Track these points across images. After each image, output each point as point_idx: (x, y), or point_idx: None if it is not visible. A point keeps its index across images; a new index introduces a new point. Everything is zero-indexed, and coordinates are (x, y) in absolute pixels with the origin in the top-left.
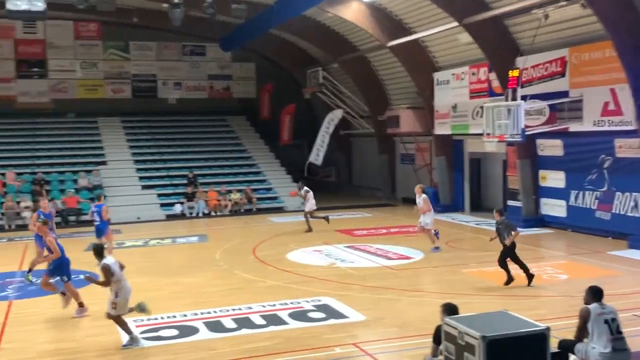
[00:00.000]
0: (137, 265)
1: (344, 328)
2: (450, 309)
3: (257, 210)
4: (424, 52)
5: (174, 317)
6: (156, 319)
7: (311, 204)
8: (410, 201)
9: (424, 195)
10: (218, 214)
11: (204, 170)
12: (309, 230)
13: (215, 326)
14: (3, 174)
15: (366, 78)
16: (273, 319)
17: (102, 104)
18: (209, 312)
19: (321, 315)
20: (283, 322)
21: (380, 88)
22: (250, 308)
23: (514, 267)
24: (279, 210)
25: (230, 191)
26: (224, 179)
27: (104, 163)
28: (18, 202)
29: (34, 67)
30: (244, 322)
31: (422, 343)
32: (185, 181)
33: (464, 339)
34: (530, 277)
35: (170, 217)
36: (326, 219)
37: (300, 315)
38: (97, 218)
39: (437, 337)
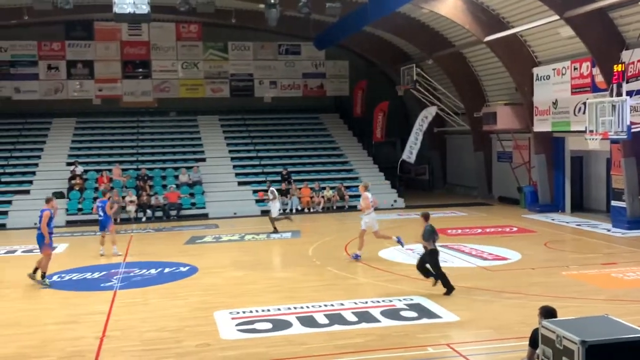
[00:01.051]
0: (233, 259)
1: (437, 328)
2: (548, 312)
3: (350, 208)
4: (523, 47)
5: (268, 310)
6: (251, 311)
7: (277, 207)
8: (508, 200)
9: (365, 193)
10: (311, 210)
11: (298, 167)
12: (275, 231)
13: (307, 321)
14: (110, 170)
15: (462, 74)
16: (365, 316)
17: (201, 103)
18: (301, 307)
19: (414, 314)
20: (375, 320)
21: (476, 84)
22: (342, 305)
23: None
24: None
25: (323, 188)
26: (317, 176)
27: (203, 160)
28: (123, 197)
29: (139, 67)
30: (336, 318)
31: (518, 346)
32: (279, 178)
33: (562, 343)
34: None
35: (264, 213)
36: (288, 218)
37: (392, 313)
38: (100, 213)
39: (534, 341)
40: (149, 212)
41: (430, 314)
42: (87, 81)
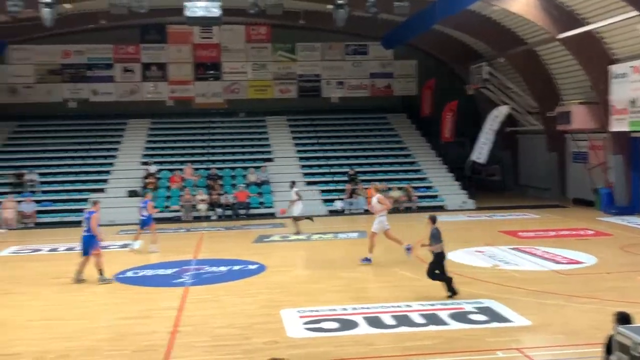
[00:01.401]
0: (300, 258)
1: (508, 332)
2: (623, 318)
3: (417, 209)
4: (599, 44)
5: (335, 310)
6: (318, 311)
7: (300, 208)
8: (583, 202)
9: (378, 195)
10: None
11: (365, 167)
12: (298, 233)
13: (374, 322)
14: (181, 169)
15: (534, 72)
16: (433, 319)
17: (270, 104)
18: (368, 308)
19: (483, 317)
20: (443, 323)
21: (549, 83)
22: (409, 306)
23: None
24: (440, 208)
25: (390, 188)
26: (384, 177)
27: (270, 160)
28: (194, 195)
29: (210, 69)
30: (403, 320)
31: (591, 352)
32: (346, 178)
33: (638, 350)
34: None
35: (331, 213)
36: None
37: (461, 316)
38: (144, 212)
39: (609, 347)
40: (219, 210)
41: (501, 318)
42: (161, 83)
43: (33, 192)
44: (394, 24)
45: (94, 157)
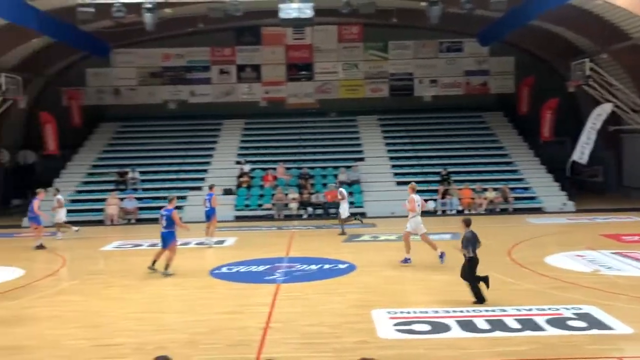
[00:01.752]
0: (390, 258)
1: (609, 340)
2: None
3: (514, 210)
4: None
5: (426, 312)
6: (409, 312)
7: (346, 208)
8: None
9: (412, 196)
10: (472, 212)
11: (458, 167)
12: (343, 233)
13: (467, 325)
14: (274, 168)
15: None
16: (529, 324)
17: (361, 103)
18: (461, 311)
19: (582, 324)
20: (540, 328)
21: None
22: (504, 310)
23: None
24: (538, 210)
25: (485, 189)
26: (479, 177)
27: (361, 159)
28: (286, 194)
29: (302, 70)
30: (497, 324)
31: None
32: (438, 178)
33: None
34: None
35: (423, 214)
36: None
37: (558, 322)
38: (207, 205)
39: None
40: (310, 209)
41: (601, 325)
42: (255, 84)
43: (135, 189)
44: (490, 20)
45: (192, 157)
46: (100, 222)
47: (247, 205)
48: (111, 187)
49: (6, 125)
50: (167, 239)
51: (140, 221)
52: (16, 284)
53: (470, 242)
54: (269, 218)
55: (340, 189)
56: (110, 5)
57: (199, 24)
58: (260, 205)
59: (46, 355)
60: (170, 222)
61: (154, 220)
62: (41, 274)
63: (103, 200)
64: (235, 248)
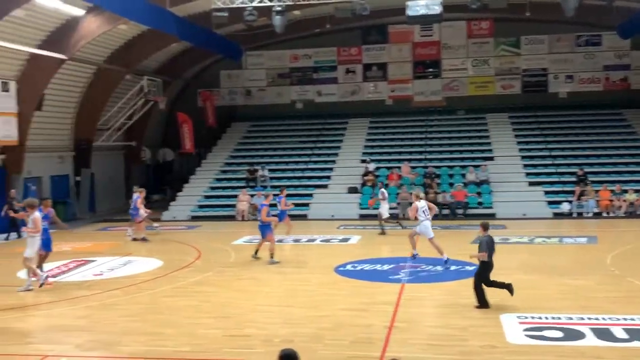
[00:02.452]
0: (521, 261)
1: None
2: None
3: None
4: None
5: (559, 318)
6: (540, 318)
7: (386, 208)
8: None
9: (415, 203)
10: (610, 215)
11: (596, 167)
12: (383, 233)
13: (603, 334)
14: (399, 167)
15: None
16: None
17: (490, 100)
18: (596, 319)
19: None
20: None
21: None
22: None
23: None
24: None
25: (625, 191)
26: (619, 178)
27: (491, 159)
28: (411, 193)
29: (429, 67)
30: (637, 334)
31: None
32: (574, 179)
33: None
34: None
35: (557, 216)
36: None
37: None
38: (278, 207)
39: None
40: (436, 209)
41: None
42: (381, 83)
43: (264, 186)
44: (632, 11)
45: (318, 155)
46: (231, 217)
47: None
48: (242, 184)
49: (148, 125)
50: (263, 231)
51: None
52: (156, 274)
53: (488, 246)
54: (394, 217)
55: (382, 189)
56: (242, 9)
57: (326, 25)
58: None
59: (182, 343)
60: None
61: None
62: (178, 265)
63: (234, 196)
64: (359, 246)
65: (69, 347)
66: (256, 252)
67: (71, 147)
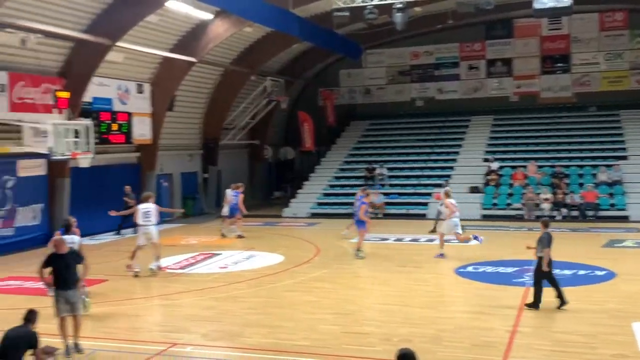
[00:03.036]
0: None
1: None
2: None
3: None
4: None
5: None
6: None
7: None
8: None
9: (447, 200)
10: None
11: None
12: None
13: None
14: (524, 166)
15: None
16: None
17: (625, 96)
18: None
19: None
20: None
21: None
22: None
23: None
24: None
25: None
26: None
27: (624, 157)
28: (537, 194)
29: (558, 62)
30: None
31: None
32: None
33: None
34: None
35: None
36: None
37: None
38: (356, 206)
39: None
40: (564, 210)
41: None
42: (505, 79)
43: (382, 185)
44: None
45: (438, 154)
46: (350, 215)
47: (494, 204)
48: (360, 182)
49: (270, 124)
50: (359, 226)
51: (387, 216)
52: (278, 268)
53: (544, 243)
54: (519, 218)
55: (447, 188)
56: (363, 8)
57: (448, 20)
58: (509, 205)
59: (301, 337)
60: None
61: (401, 216)
62: (298, 260)
63: (352, 194)
64: (481, 247)
65: (195, 336)
66: (358, 249)
67: (199, 145)
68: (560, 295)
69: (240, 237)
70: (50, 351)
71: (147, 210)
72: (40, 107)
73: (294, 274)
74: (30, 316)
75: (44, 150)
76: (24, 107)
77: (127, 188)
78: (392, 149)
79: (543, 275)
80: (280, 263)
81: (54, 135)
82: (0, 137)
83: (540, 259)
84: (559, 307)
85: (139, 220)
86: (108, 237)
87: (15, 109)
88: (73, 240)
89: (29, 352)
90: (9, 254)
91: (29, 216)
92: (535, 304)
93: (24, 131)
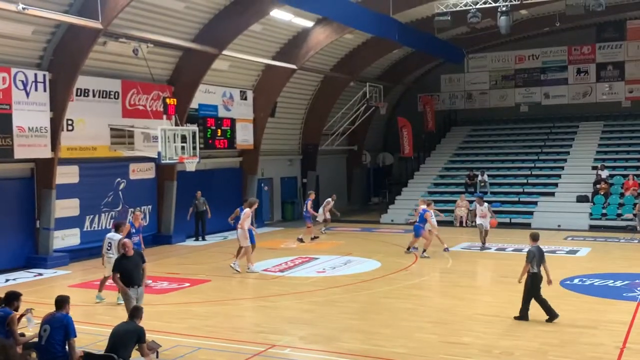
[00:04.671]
0: None
1: None
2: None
3: None
4: None
5: None
6: None
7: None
8: None
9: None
10: None
11: None
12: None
13: None
14: (638, 175)
15: None
16: None
17: None
18: None
19: None
20: None
21: None
22: None
23: None
24: None
25: None
26: None
27: None
28: None
29: None
30: None
31: None
32: None
33: None
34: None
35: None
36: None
37: None
38: (417, 219)
39: None
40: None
41: None
42: (617, 83)
43: (484, 192)
44: None
45: (544, 161)
46: (449, 223)
47: (604, 215)
48: (460, 189)
49: (369, 130)
50: (416, 230)
51: None
52: (374, 274)
53: (535, 257)
54: (630, 230)
55: (486, 204)
56: (465, 12)
57: (556, 23)
58: (619, 215)
59: (399, 344)
60: (422, 218)
61: (502, 225)
62: (395, 267)
63: (452, 201)
64: (588, 259)
65: (293, 338)
66: (409, 247)
67: (299, 150)
68: (522, 315)
69: (314, 238)
70: (154, 347)
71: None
72: (150, 113)
73: (391, 281)
74: (135, 312)
75: (153, 155)
76: (136, 113)
77: (198, 193)
78: (494, 155)
79: (533, 290)
80: (377, 269)
81: (163, 141)
82: (114, 141)
83: (531, 274)
84: (516, 318)
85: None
86: (198, 243)
87: (127, 115)
88: (113, 238)
89: (135, 347)
90: None
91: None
92: (521, 317)
93: (136, 136)
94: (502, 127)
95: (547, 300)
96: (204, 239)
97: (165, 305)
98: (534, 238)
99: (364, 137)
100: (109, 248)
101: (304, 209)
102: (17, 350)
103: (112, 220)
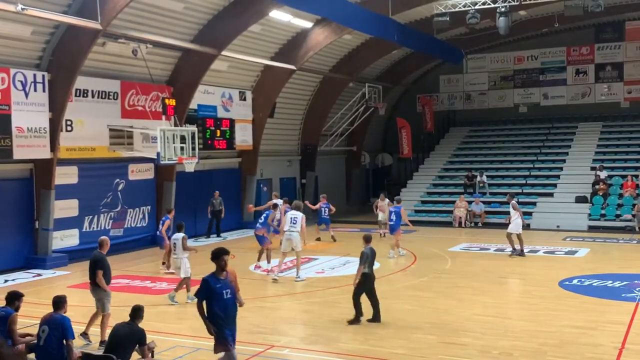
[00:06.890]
0: None
1: None
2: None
3: None
4: None
5: None
6: None
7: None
8: None
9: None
10: None
11: None
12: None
13: None
14: (636, 176)
15: None
16: None
17: None
18: None
19: None
20: None
21: None
22: None
23: None
24: None
25: None
26: None
27: None
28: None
29: None
30: None
31: None
32: None
33: None
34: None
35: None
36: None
37: None
38: (392, 217)
39: None
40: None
41: None
42: (615, 84)
43: (482, 193)
44: None
45: (543, 162)
46: (448, 224)
47: (602, 215)
48: (459, 190)
49: (368, 130)
50: (392, 229)
51: (487, 225)
52: None
53: (369, 258)
54: (629, 230)
55: (513, 201)
56: (464, 12)
57: (555, 24)
58: (618, 216)
59: (397, 345)
60: (398, 216)
61: (501, 226)
62: (394, 268)
63: (451, 202)
64: (587, 260)
65: (293, 339)
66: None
67: (298, 151)
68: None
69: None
70: (151, 347)
71: (294, 217)
72: (149, 114)
73: (390, 282)
74: (137, 313)
75: (152, 155)
76: (135, 114)
77: (216, 193)
78: (493, 156)
79: (358, 291)
80: (376, 270)
81: (162, 141)
82: (113, 142)
83: (364, 274)
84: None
85: (285, 226)
86: (209, 240)
87: (126, 115)
88: (177, 238)
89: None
90: (118, 253)
91: (137, 217)
92: (355, 320)
93: (135, 137)
94: (501, 127)
95: (379, 304)
96: (219, 236)
97: (165, 306)
98: (367, 240)
99: (363, 138)
100: (174, 249)
101: (324, 213)
102: (17, 349)
103: (111, 221)
